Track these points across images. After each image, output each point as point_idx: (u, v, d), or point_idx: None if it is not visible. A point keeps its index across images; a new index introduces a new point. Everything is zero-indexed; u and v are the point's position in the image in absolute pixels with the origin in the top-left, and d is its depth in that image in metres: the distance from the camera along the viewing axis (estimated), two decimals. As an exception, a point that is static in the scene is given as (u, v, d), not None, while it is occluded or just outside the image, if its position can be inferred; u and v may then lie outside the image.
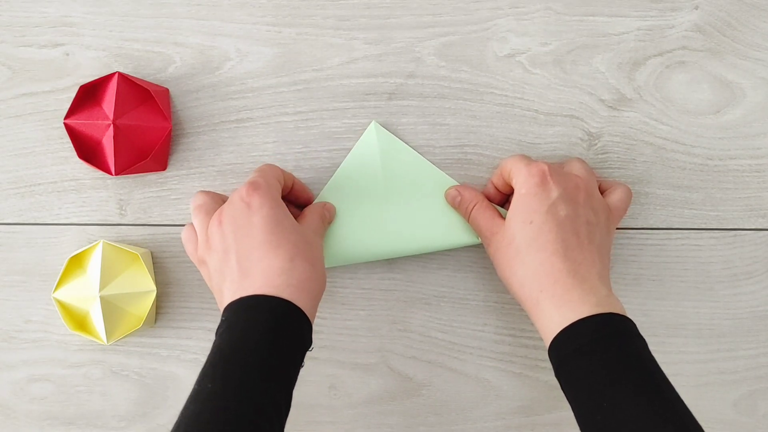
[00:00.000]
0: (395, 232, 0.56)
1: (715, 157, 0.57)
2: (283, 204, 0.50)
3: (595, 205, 0.51)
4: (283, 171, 0.52)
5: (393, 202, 0.56)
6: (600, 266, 0.49)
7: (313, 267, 0.48)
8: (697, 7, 0.56)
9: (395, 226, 0.56)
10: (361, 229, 0.55)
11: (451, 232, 0.56)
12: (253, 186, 0.49)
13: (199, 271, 0.56)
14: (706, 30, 0.56)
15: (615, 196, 0.52)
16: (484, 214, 0.53)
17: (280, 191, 0.51)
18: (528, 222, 0.50)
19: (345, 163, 0.56)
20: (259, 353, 0.44)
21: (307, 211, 0.53)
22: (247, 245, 0.47)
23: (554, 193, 0.50)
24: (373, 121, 0.56)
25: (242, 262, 0.47)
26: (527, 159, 0.53)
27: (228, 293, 0.47)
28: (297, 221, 0.51)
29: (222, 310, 0.48)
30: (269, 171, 0.51)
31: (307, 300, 0.47)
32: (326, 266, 0.55)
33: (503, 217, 0.53)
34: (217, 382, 0.43)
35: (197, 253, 0.51)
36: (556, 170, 0.51)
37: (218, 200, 0.52)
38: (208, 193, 0.52)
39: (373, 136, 0.56)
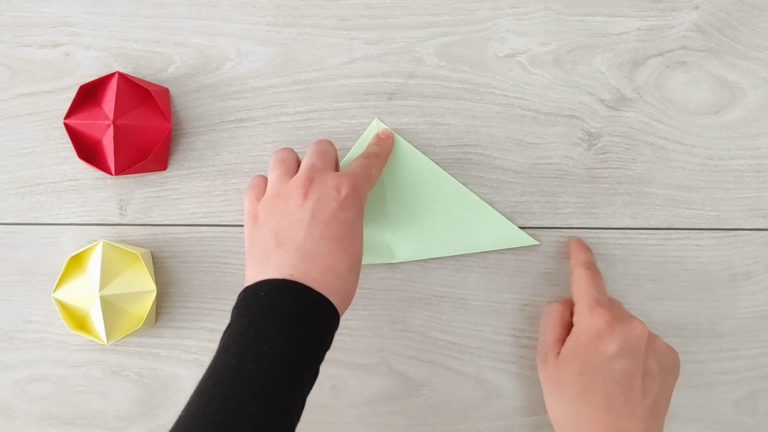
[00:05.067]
0: (396, 230, 0.56)
1: (715, 157, 0.57)
2: (362, 216, 0.49)
3: (659, 351, 0.50)
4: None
5: (393, 200, 0.56)
6: (648, 422, 0.48)
7: (357, 284, 0.48)
8: (697, 7, 0.56)
9: (396, 224, 0.56)
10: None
11: (452, 236, 0.56)
12: (354, 186, 0.48)
13: (198, 271, 0.56)
14: (706, 30, 0.56)
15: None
16: (556, 323, 0.53)
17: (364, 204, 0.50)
18: (580, 374, 0.49)
19: (346, 160, 0.56)
20: (301, 349, 0.44)
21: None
22: (319, 231, 0.46)
23: (612, 347, 0.49)
24: (375, 118, 0.56)
25: (307, 244, 0.46)
26: (593, 296, 0.51)
27: (277, 262, 0.46)
28: None
29: (253, 269, 0.46)
30: (366, 177, 0.50)
31: (341, 312, 0.47)
32: None
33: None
34: (260, 365, 0.42)
35: (257, 205, 0.49)
36: (619, 318, 0.50)
37: (298, 164, 0.50)
38: (292, 152, 0.51)
39: (374, 133, 0.55)
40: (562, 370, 0.50)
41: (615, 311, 0.51)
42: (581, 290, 0.52)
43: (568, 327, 0.52)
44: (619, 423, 0.48)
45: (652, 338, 0.50)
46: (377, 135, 0.55)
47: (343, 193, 0.47)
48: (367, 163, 0.51)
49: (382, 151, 0.54)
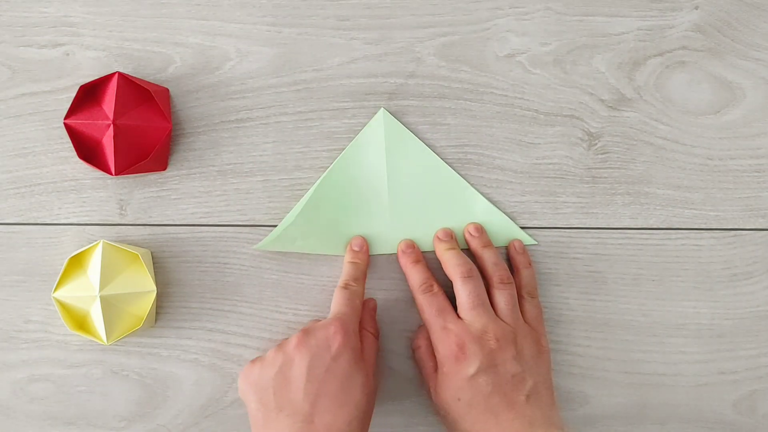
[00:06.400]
0: (396, 223, 0.56)
1: (715, 157, 0.57)
2: (360, 355, 0.50)
3: (519, 347, 0.52)
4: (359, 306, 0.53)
5: (394, 192, 0.56)
6: (533, 412, 0.50)
7: (364, 429, 0.49)
8: (697, 7, 0.56)
9: (396, 217, 0.56)
10: (361, 219, 0.56)
11: (453, 228, 0.56)
12: (344, 332, 0.50)
13: (198, 271, 0.56)
14: (706, 30, 0.56)
15: (528, 315, 0.54)
16: (428, 359, 0.54)
17: (359, 337, 0.52)
18: (456, 399, 0.51)
19: (349, 148, 0.56)
20: None
21: (367, 347, 0.53)
22: (315, 388, 0.48)
23: (471, 368, 0.50)
24: (381, 108, 0.56)
25: (305, 405, 0.48)
26: (439, 323, 0.52)
27: (280, 426, 0.48)
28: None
29: (260, 427, 0.49)
30: (352, 313, 0.52)
31: None
32: (324, 253, 0.56)
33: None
34: None
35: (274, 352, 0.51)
36: (469, 339, 0.51)
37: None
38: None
39: (380, 123, 0.56)
40: (441, 399, 0.52)
41: (464, 328, 0.51)
42: (426, 320, 0.53)
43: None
44: (509, 426, 0.49)
45: (506, 343, 0.51)
46: (351, 249, 0.55)
47: (335, 345, 0.49)
48: (348, 294, 0.53)
49: (359, 270, 0.54)
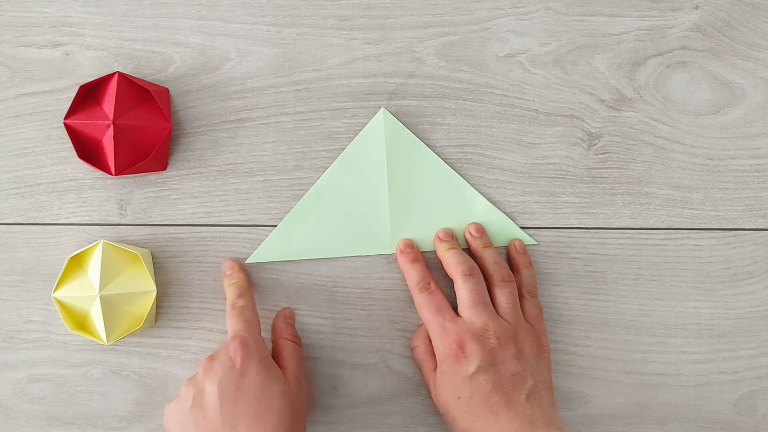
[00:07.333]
0: (396, 223, 0.56)
1: (715, 157, 0.57)
2: (272, 363, 0.50)
3: (519, 345, 0.52)
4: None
5: (394, 191, 0.56)
6: (533, 411, 0.50)
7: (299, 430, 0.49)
8: (697, 7, 0.56)
9: (396, 217, 0.56)
10: (361, 219, 0.56)
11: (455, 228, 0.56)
12: (243, 345, 0.49)
13: (198, 271, 0.56)
14: (706, 30, 0.56)
15: (529, 315, 0.54)
16: (425, 354, 0.55)
17: (267, 347, 0.51)
18: (456, 398, 0.51)
19: (349, 148, 0.56)
20: None
21: (286, 354, 0.52)
22: (231, 410, 0.48)
23: (472, 366, 0.50)
24: (381, 108, 0.56)
25: (225, 428, 0.47)
26: (438, 322, 0.52)
27: None
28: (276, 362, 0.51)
29: None
30: (247, 326, 0.51)
31: None
32: (324, 257, 0.56)
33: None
34: None
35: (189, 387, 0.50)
36: (469, 337, 0.51)
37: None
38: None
39: (380, 123, 0.56)
40: (441, 398, 0.52)
41: (463, 326, 0.51)
42: (425, 319, 0.53)
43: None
44: (508, 425, 0.49)
45: (506, 342, 0.51)
46: (225, 274, 0.55)
47: (239, 361, 0.49)
48: (236, 313, 0.52)
49: (240, 288, 0.53)
